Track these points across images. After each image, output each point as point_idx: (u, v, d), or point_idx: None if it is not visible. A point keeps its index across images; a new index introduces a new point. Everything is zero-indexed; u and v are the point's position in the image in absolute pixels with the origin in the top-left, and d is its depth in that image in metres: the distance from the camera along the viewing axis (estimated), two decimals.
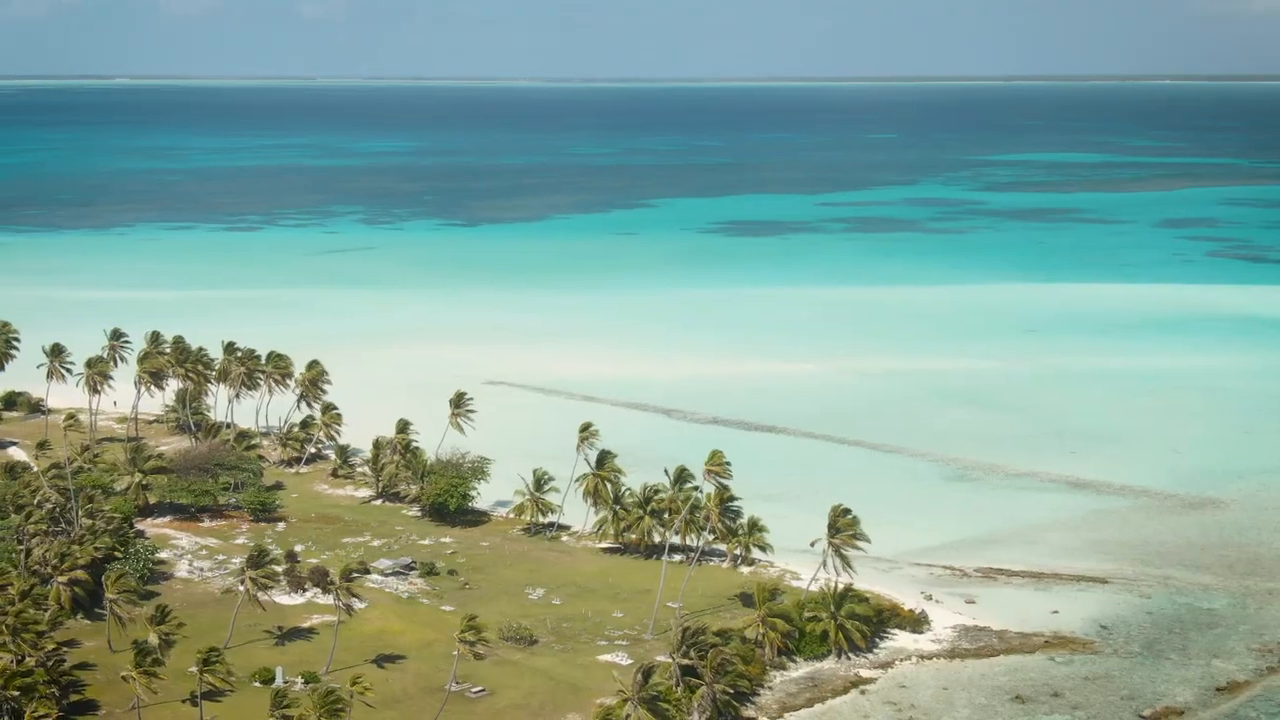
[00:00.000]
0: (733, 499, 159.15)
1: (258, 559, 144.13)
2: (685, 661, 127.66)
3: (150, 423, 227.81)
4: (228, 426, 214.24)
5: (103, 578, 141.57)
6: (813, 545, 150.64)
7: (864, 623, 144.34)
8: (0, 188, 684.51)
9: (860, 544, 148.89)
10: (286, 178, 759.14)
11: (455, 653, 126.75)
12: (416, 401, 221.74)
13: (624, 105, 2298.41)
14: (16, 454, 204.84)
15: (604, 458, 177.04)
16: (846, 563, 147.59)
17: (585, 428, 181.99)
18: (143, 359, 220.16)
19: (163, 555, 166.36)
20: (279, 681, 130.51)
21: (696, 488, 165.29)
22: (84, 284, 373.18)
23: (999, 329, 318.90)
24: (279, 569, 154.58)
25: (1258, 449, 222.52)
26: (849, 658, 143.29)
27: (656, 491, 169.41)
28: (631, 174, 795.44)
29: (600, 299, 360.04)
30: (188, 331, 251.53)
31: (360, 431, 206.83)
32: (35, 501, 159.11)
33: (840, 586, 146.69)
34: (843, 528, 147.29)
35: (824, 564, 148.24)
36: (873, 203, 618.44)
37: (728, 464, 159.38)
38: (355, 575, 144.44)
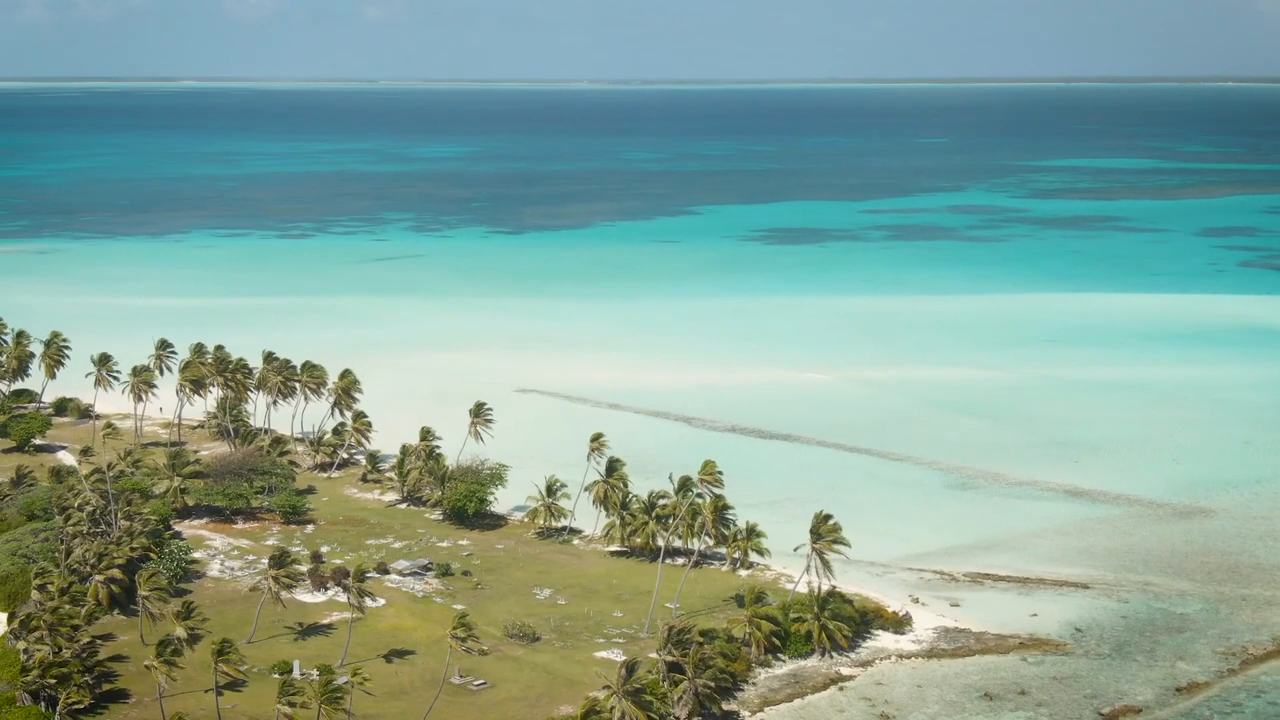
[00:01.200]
0: (727, 507, 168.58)
1: (280, 560, 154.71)
2: (670, 658, 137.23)
3: (194, 428, 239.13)
4: (265, 433, 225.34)
5: (136, 576, 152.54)
6: (796, 550, 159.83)
7: (847, 624, 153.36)
8: (63, 193, 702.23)
9: (841, 549, 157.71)
10: (342, 184, 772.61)
11: (450, 648, 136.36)
12: (448, 408, 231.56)
13: (682, 108, 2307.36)
14: (65, 458, 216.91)
15: (613, 466, 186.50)
16: (828, 566, 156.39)
17: (596, 438, 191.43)
18: (184, 368, 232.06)
19: (197, 555, 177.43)
20: (295, 673, 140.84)
21: (700, 495, 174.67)
22: (137, 291, 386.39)
23: (1019, 339, 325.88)
24: (302, 569, 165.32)
25: (1254, 460, 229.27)
26: (832, 656, 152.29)
27: (661, 498, 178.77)
28: (680, 180, 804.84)
29: (633, 307, 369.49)
30: (234, 338, 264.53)
31: (392, 437, 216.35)
32: (76, 504, 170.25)
33: (825, 589, 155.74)
34: (825, 534, 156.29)
35: (808, 568, 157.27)
36: (916, 210, 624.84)
37: (720, 474, 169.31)
38: (368, 575, 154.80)
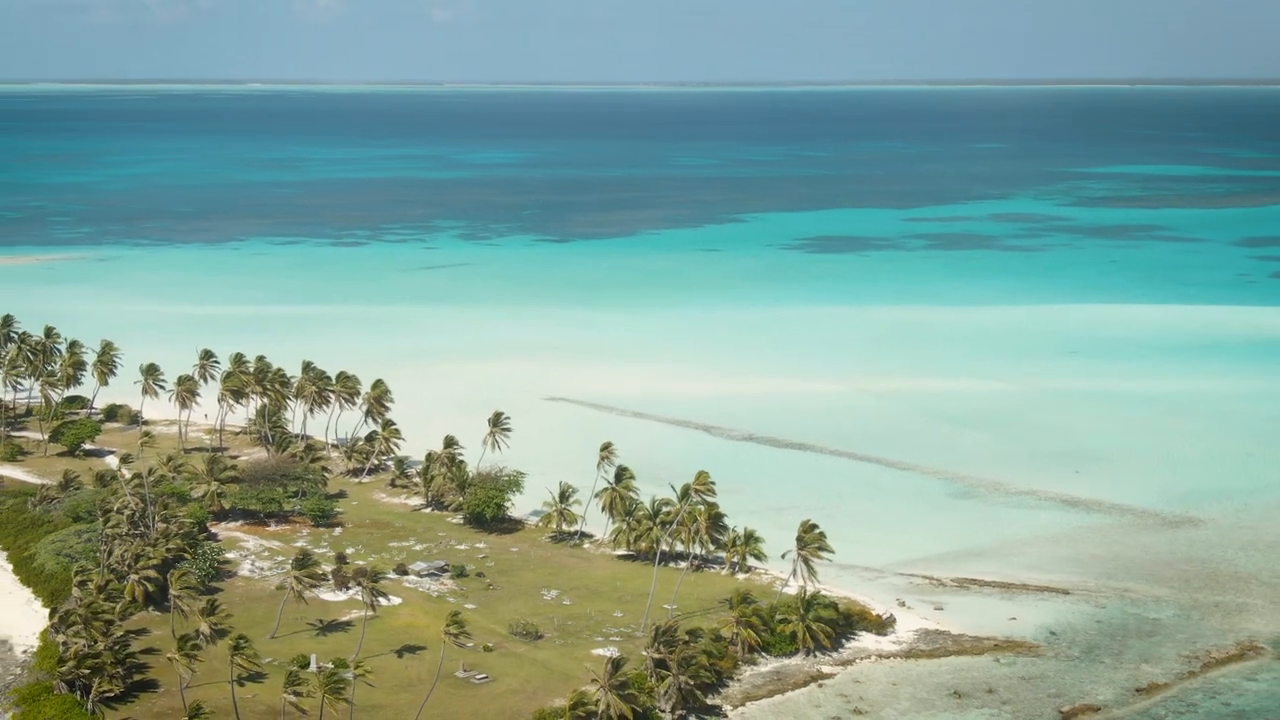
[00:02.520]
0: (721, 515, 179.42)
1: (302, 561, 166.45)
2: (657, 655, 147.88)
3: (236, 434, 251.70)
4: (300, 439, 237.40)
5: (169, 575, 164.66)
6: (784, 556, 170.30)
7: (830, 625, 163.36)
8: (126, 199, 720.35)
9: (828, 555, 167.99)
10: (398, 190, 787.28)
11: (443, 643, 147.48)
12: (477, 416, 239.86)
13: (740, 112, 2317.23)
14: (111, 463, 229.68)
15: (621, 474, 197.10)
16: (813, 571, 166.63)
17: (605, 447, 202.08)
18: (225, 378, 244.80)
19: (230, 555, 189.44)
20: (313, 667, 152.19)
21: (701, 502, 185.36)
22: (192, 299, 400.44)
23: (1039, 350, 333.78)
24: (327, 569, 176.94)
25: (1250, 471, 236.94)
26: (815, 656, 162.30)
27: (665, 504, 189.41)
28: (730, 186, 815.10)
29: (668, 317, 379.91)
30: (280, 346, 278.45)
31: (425, 443, 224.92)
32: (115, 507, 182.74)
33: (810, 592, 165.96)
34: (809, 541, 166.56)
35: (794, 572, 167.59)
36: (959, 218, 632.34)
37: (713, 484, 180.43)
38: (387, 576, 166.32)
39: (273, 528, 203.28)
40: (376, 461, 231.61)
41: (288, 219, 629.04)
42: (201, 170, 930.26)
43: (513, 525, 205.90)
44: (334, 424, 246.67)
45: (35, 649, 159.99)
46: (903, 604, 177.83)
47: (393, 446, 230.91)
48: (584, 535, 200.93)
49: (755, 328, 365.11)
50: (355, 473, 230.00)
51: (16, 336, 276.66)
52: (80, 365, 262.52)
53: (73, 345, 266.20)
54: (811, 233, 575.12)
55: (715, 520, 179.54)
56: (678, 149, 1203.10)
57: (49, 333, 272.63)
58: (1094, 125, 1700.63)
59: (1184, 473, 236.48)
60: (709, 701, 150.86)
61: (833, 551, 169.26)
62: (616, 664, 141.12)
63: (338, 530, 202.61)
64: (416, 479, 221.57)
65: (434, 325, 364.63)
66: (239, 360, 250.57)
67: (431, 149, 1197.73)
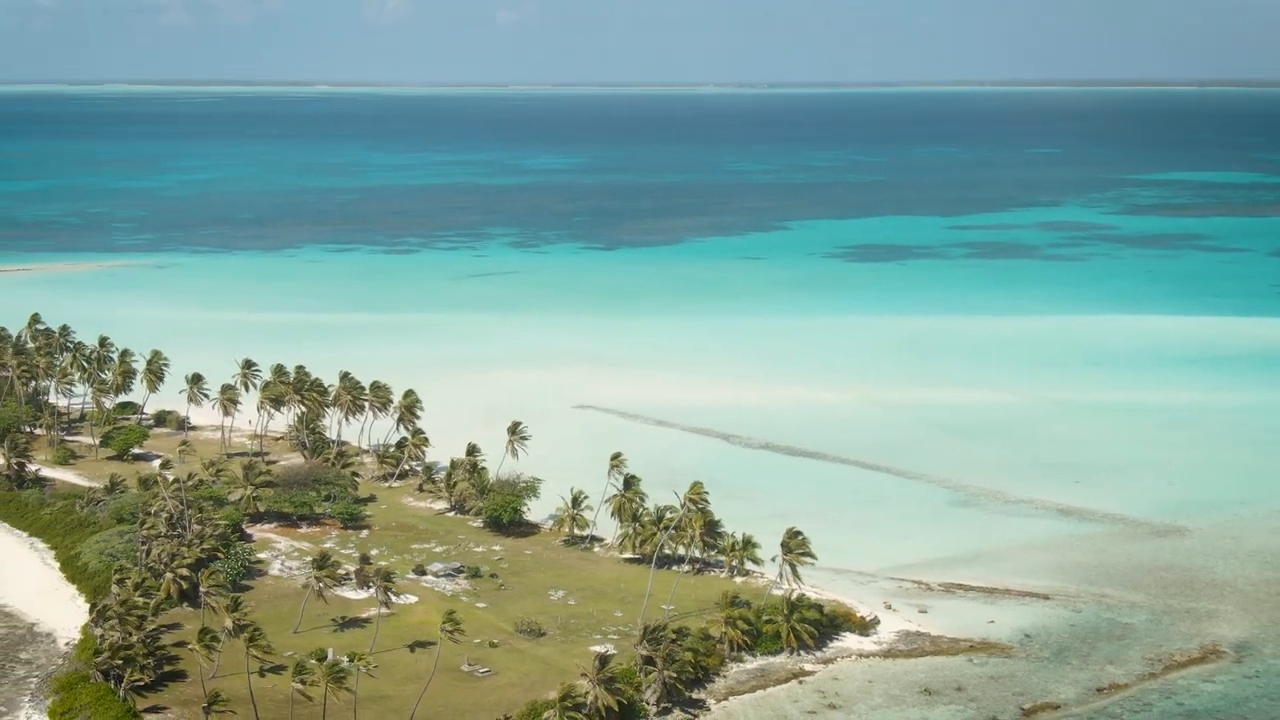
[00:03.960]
0: (715, 522, 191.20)
1: (322, 561, 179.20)
2: (645, 652, 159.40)
3: (277, 439, 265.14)
4: (333, 444, 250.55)
5: (200, 574, 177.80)
6: (772, 560, 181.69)
7: (813, 625, 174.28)
8: (188, 205, 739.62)
9: (808, 560, 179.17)
10: (454, 197, 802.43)
11: (439, 640, 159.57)
12: (508, 423, 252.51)
13: (803, 114, 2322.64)
14: (157, 467, 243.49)
15: (630, 481, 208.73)
16: (797, 574, 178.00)
17: (615, 457, 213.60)
18: (264, 388, 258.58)
19: (262, 555, 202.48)
20: (330, 659, 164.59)
21: (702, 509, 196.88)
22: (243, 306, 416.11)
23: (1062, 361, 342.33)
24: (350, 569, 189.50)
25: (1246, 482, 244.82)
26: (799, 654, 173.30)
27: (669, 510, 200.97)
28: (782, 193, 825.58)
29: (701, 326, 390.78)
30: (324, 353, 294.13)
31: (455, 449, 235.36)
32: (153, 510, 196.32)
33: (795, 595, 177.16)
34: (794, 547, 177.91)
35: (780, 575, 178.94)
36: (1005, 226, 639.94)
37: (706, 494, 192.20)
38: (406, 576, 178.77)
39: (304, 529, 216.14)
40: (407, 467, 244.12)
41: (344, 226, 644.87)
42: (263, 176, 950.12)
43: (529, 529, 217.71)
44: (368, 431, 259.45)
45: (76, 641, 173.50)
46: (889, 606, 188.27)
47: (421, 453, 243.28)
48: (594, 539, 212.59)
49: (784, 337, 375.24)
50: (386, 478, 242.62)
51: (72, 345, 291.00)
52: (131, 373, 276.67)
53: (124, 354, 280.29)
54: (856, 241, 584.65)
55: (709, 527, 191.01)
56: (734, 154, 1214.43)
57: (103, 342, 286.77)
58: (1155, 129, 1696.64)
59: (1181, 483, 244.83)
60: (694, 695, 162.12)
61: (815, 557, 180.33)
62: (604, 659, 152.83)
63: (365, 532, 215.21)
64: (442, 484, 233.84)
65: (474, 333, 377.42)
66: (279, 370, 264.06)
67: (491, 154, 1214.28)
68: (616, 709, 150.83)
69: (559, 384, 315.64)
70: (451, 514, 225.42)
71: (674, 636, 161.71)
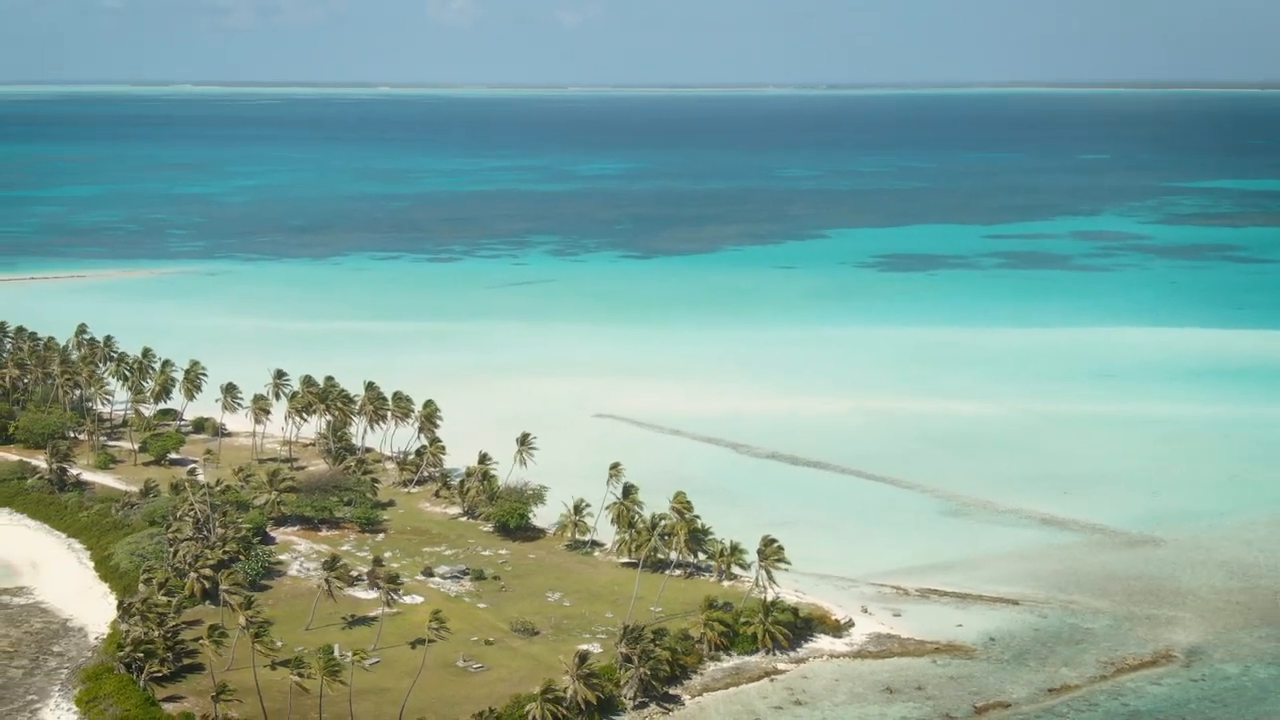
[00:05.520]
0: (698, 530, 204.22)
1: (332, 563, 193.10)
2: (624, 650, 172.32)
3: (307, 446, 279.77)
4: (353, 452, 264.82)
5: (220, 574, 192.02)
6: (748, 568, 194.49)
7: (787, 627, 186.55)
8: (244, 212, 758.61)
9: (782, 565, 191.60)
10: (503, 204, 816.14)
11: (428, 638, 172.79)
12: (528, 431, 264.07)
13: (858, 116, 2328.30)
14: (200, 471, 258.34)
15: (628, 490, 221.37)
16: (772, 579, 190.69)
17: (614, 466, 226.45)
18: (292, 397, 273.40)
19: (282, 557, 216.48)
20: (336, 655, 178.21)
21: (697, 516, 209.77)
22: (286, 315, 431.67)
23: (1073, 374, 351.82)
24: (362, 570, 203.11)
25: (1227, 494, 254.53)
26: (775, 654, 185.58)
27: (663, 518, 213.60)
28: (824, 200, 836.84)
29: (725, 336, 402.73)
30: (358, 361, 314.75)
31: (474, 456, 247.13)
32: (178, 515, 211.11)
33: (771, 598, 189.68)
34: (769, 554, 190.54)
35: (756, 581, 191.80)
36: (1040, 235, 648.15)
37: (689, 503, 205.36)
38: (401, 577, 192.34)
39: (324, 532, 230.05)
40: (426, 473, 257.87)
41: (392, 233, 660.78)
42: (319, 182, 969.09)
43: (536, 534, 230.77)
44: (391, 439, 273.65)
45: (105, 635, 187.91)
46: (865, 610, 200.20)
47: (439, 460, 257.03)
48: (595, 544, 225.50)
49: (802, 348, 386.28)
50: (406, 484, 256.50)
51: (115, 355, 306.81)
52: (171, 382, 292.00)
53: (165, 364, 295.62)
54: (889, 250, 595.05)
55: (693, 534, 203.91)
56: (784, 159, 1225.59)
57: (145, 352, 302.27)
58: (1213, 133, 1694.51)
59: (1165, 495, 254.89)
60: (671, 691, 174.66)
61: (789, 563, 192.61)
62: (583, 657, 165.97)
63: (380, 536, 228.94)
64: (456, 490, 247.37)
65: (502, 342, 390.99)
66: (308, 381, 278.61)
67: (544, 159, 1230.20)
68: (594, 702, 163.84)
69: (581, 393, 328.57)
70: (464, 519, 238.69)
71: (652, 636, 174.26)
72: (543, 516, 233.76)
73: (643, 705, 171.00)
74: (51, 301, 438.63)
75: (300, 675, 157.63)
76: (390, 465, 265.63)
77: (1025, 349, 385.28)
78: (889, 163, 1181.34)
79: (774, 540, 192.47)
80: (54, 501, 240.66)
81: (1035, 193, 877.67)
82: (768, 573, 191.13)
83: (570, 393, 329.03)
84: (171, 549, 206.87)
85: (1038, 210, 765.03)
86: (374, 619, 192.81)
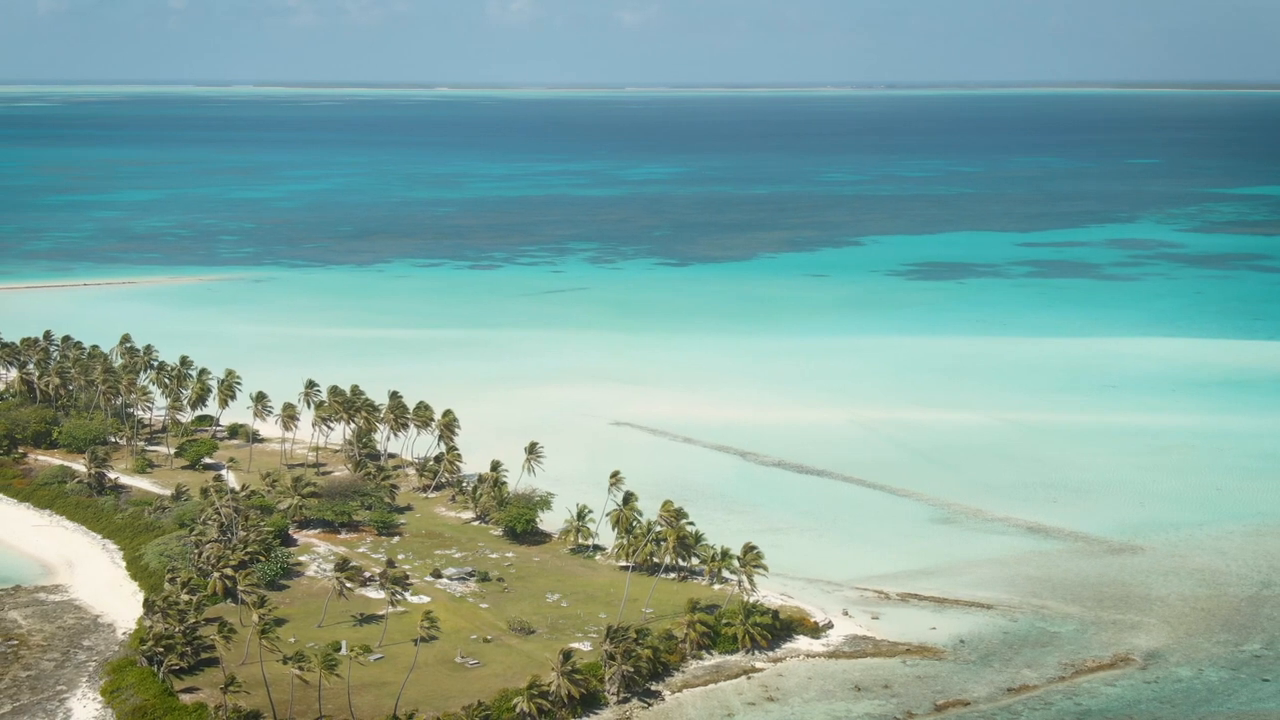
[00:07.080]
0: (685, 536, 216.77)
1: (342, 565, 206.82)
2: (608, 648, 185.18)
3: (334, 452, 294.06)
4: (377, 458, 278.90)
5: (239, 574, 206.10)
6: (730, 573, 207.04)
7: (766, 629, 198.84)
8: (294, 217, 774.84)
9: (760, 570, 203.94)
10: (548, 209, 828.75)
11: (418, 636, 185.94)
12: (545, 438, 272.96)
13: (912, 117, 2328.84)
14: (224, 476, 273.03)
15: (628, 497, 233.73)
16: (752, 583, 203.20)
17: (614, 474, 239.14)
18: (319, 407, 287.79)
19: (302, 558, 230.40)
20: (343, 651, 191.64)
21: (691, 522, 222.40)
22: (328, 322, 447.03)
23: (1078, 385, 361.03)
24: (375, 571, 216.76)
25: (1211, 504, 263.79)
26: (754, 654, 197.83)
27: (657, 524, 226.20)
28: (864, 206, 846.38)
29: (748, 345, 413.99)
30: (390, 369, 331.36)
31: (501, 460, 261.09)
32: (202, 518, 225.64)
33: (751, 601, 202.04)
34: (748, 560, 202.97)
35: (739, 584, 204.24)
36: (1073, 243, 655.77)
37: (675, 510, 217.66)
38: (410, 578, 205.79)
39: (343, 535, 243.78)
40: (444, 479, 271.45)
41: (436, 240, 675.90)
42: (369, 187, 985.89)
43: (542, 538, 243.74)
44: (413, 446, 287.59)
45: (131, 631, 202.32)
46: (846, 613, 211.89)
47: (456, 467, 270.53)
48: (597, 548, 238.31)
49: (821, 357, 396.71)
50: (425, 489, 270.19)
51: (156, 364, 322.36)
52: (207, 390, 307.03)
53: (201, 373, 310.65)
54: (921, 258, 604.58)
55: (681, 540, 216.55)
56: (830, 163, 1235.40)
57: (184, 361, 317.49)
58: (1259, 137, 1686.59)
59: (1150, 504, 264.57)
60: (652, 687, 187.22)
61: (767, 569, 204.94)
62: (567, 654, 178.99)
63: (396, 539, 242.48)
64: (469, 496, 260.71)
65: (531, 349, 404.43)
66: (335, 391, 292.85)
67: (594, 163, 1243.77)
68: (577, 696, 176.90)
69: (601, 400, 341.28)
70: (477, 523, 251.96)
71: (635, 636, 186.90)
72: (550, 522, 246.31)
73: (625, 700, 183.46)
74: (101, 307, 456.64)
75: (300, 669, 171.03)
76: (411, 471, 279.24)
77: (1036, 359, 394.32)
78: (936, 167, 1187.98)
79: (754, 547, 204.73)
80: (91, 504, 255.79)
81: (1075, 199, 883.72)
82: (748, 577, 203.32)
83: (590, 400, 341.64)
84: (197, 550, 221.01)
85: (1074, 217, 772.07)
86: (381, 617, 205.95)
